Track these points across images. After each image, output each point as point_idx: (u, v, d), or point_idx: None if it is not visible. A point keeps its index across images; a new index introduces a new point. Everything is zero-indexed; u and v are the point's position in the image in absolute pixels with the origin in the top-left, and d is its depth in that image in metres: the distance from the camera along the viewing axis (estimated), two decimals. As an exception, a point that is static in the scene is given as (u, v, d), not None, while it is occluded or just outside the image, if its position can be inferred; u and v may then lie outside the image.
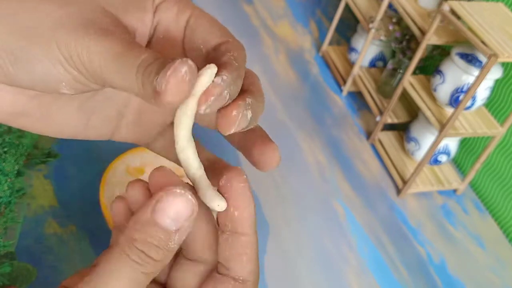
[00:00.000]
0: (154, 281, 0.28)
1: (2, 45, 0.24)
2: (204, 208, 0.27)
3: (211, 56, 0.26)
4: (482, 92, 0.71)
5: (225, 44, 0.26)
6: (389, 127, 0.88)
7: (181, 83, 0.22)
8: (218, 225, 0.27)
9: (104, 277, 0.23)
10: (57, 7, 0.24)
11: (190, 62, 0.22)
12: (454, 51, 0.71)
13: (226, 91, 0.24)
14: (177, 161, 0.27)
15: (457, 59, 0.70)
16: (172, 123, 0.27)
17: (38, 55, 0.24)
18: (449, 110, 0.75)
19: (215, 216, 0.28)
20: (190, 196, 0.24)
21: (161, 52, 0.26)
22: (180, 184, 0.26)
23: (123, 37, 0.24)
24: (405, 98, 0.87)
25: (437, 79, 0.73)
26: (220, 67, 0.24)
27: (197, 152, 0.26)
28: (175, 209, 0.24)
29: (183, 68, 0.22)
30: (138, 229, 0.24)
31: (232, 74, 0.24)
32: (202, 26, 0.27)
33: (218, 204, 0.26)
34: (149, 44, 0.28)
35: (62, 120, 0.28)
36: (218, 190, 0.27)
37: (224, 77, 0.24)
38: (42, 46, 0.24)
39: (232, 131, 0.25)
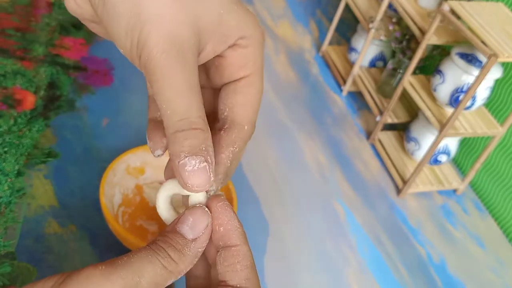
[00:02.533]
0: None
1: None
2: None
3: (218, 138, 0.30)
4: (482, 92, 0.71)
5: (237, 131, 0.30)
6: (389, 127, 0.88)
7: (199, 187, 0.27)
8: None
9: (128, 255, 0.27)
10: (168, 2, 0.25)
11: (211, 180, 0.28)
12: (454, 51, 0.71)
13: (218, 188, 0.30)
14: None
15: (457, 59, 0.70)
16: None
17: (122, 26, 0.26)
18: (449, 110, 0.75)
19: None
20: (206, 209, 0.29)
21: (201, 74, 0.31)
22: None
23: (190, 76, 0.26)
24: (405, 98, 0.87)
25: (437, 79, 0.73)
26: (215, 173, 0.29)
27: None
28: (193, 218, 0.28)
29: (205, 175, 0.27)
30: (162, 234, 0.28)
31: (219, 182, 0.30)
32: (242, 97, 0.30)
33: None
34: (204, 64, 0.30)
35: None
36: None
37: (212, 192, 0.30)
38: (130, 23, 0.25)
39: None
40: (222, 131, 0.30)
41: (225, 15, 0.28)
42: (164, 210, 0.31)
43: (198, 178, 0.27)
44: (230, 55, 0.29)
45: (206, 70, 0.32)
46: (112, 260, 0.26)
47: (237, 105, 0.30)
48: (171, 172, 0.32)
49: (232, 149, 0.29)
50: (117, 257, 0.27)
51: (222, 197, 0.30)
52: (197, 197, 0.29)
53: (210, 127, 0.28)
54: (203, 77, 0.32)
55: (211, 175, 0.27)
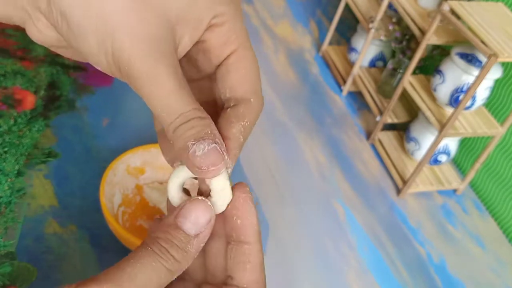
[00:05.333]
0: None
1: (69, 17, 0.24)
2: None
3: (226, 114, 0.29)
4: (482, 92, 0.71)
5: (244, 106, 0.29)
6: (389, 127, 0.88)
7: (214, 166, 0.26)
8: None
9: (131, 264, 0.25)
10: (130, 4, 0.24)
11: (226, 157, 0.26)
12: (454, 51, 0.71)
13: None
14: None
15: (457, 59, 0.70)
16: None
17: (91, 41, 0.25)
18: (449, 110, 0.75)
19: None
20: (209, 203, 0.28)
21: (190, 67, 0.30)
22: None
23: (174, 73, 0.26)
24: (405, 98, 0.87)
25: (437, 79, 0.73)
26: (228, 152, 0.28)
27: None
28: (195, 214, 0.27)
29: (218, 156, 0.26)
30: (162, 230, 0.27)
31: (235, 157, 0.28)
32: (236, 73, 0.29)
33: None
34: (187, 53, 0.29)
35: None
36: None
37: (229, 170, 0.28)
38: (99, 36, 0.25)
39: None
40: (229, 109, 0.29)
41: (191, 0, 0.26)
42: (178, 200, 0.29)
43: (210, 159, 0.26)
44: (209, 37, 0.28)
45: (192, 61, 0.30)
46: (114, 271, 0.25)
47: (235, 83, 0.29)
48: (176, 158, 0.30)
49: (242, 123, 0.28)
50: (118, 265, 0.25)
51: (247, 189, 0.29)
52: (219, 180, 0.28)
53: (214, 114, 0.28)
54: (193, 70, 0.31)
55: (224, 154, 0.26)
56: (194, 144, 0.25)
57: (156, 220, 0.30)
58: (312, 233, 0.69)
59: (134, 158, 0.62)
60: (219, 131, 0.28)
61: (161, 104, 0.25)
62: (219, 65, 0.29)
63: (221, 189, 0.28)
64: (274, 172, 0.76)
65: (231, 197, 0.29)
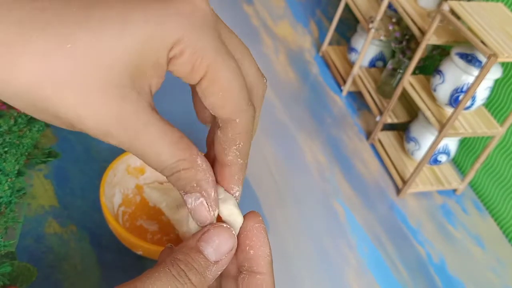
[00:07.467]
0: None
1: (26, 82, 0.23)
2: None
3: (218, 139, 0.28)
4: (482, 92, 0.71)
5: (231, 128, 0.28)
6: (389, 127, 0.88)
7: (202, 224, 0.28)
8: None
9: (146, 284, 0.25)
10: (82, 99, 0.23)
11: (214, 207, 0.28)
12: (454, 51, 0.72)
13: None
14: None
15: (457, 59, 0.70)
16: None
17: (58, 123, 0.24)
18: (448, 110, 0.75)
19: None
20: (233, 232, 0.28)
21: None
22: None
23: (147, 131, 0.25)
24: (405, 98, 0.87)
25: (437, 79, 0.73)
26: (230, 179, 0.29)
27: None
28: (218, 240, 0.27)
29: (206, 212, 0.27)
30: (183, 252, 0.27)
31: (240, 181, 0.29)
32: (213, 97, 0.27)
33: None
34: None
35: None
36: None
37: (237, 193, 0.29)
38: (63, 125, 0.24)
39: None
40: (219, 131, 0.28)
41: (140, 47, 0.24)
42: (195, 230, 0.30)
43: (198, 215, 0.27)
44: (174, 69, 0.26)
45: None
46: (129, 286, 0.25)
47: (215, 106, 0.27)
48: (207, 118, 0.31)
49: (235, 147, 0.28)
50: (134, 283, 0.25)
51: (261, 218, 0.29)
52: (228, 206, 0.29)
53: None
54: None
55: (210, 209, 0.27)
56: (185, 194, 0.27)
57: (167, 249, 0.30)
58: (312, 233, 0.70)
59: (134, 158, 0.62)
60: (217, 156, 0.28)
61: (148, 160, 0.26)
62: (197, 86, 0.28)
63: (228, 214, 0.29)
64: (274, 172, 0.76)
65: (241, 222, 0.29)
